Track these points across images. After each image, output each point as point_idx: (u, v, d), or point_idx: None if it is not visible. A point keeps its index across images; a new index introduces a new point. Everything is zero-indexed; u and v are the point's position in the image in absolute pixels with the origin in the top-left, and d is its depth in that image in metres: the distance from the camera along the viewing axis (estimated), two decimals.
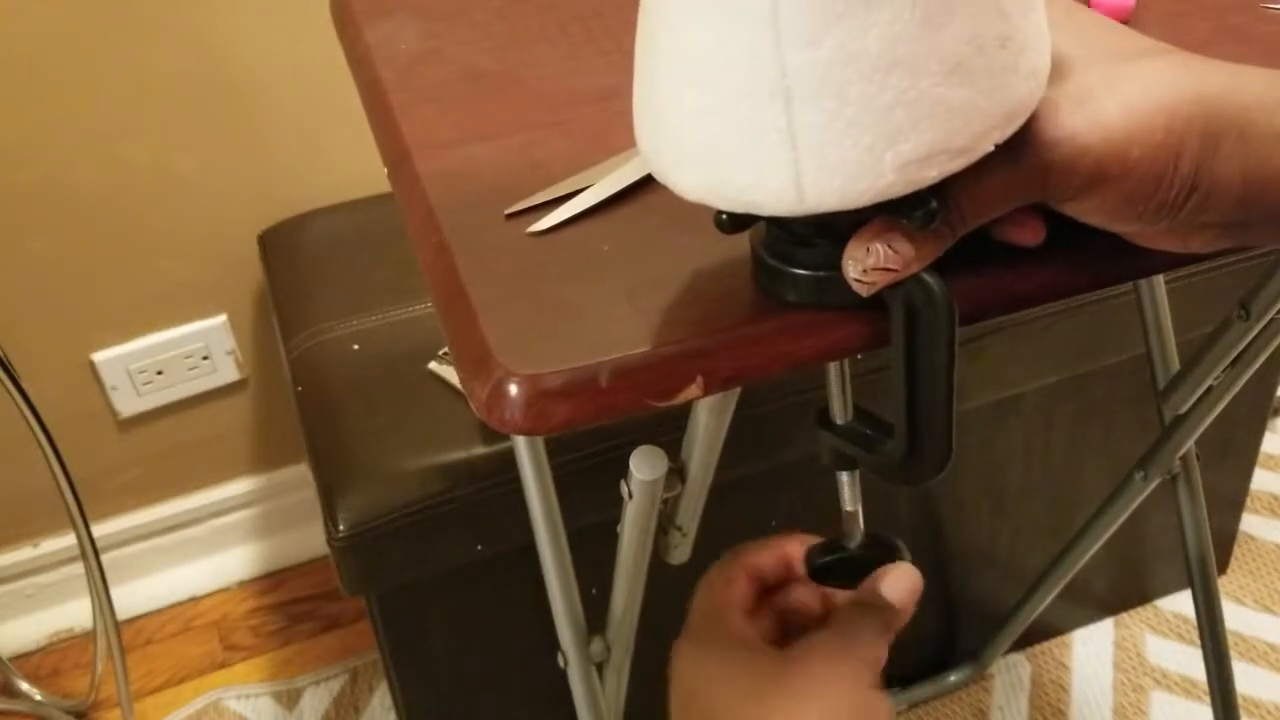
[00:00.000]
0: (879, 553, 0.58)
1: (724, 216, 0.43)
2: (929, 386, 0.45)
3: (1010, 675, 1.47)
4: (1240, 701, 1.25)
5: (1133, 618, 1.53)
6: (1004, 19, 0.38)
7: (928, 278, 0.42)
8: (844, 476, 0.57)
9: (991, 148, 0.39)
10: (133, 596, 1.59)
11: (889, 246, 0.41)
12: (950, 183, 0.40)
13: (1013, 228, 0.44)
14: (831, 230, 0.42)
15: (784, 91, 0.37)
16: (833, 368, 0.52)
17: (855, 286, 0.42)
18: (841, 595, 0.60)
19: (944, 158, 0.38)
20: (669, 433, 0.67)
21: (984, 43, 0.38)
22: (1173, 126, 0.40)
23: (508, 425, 0.44)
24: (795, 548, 0.60)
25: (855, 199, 0.39)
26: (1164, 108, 0.40)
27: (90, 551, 1.28)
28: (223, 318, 1.46)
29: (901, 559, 0.58)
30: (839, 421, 0.54)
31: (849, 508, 0.58)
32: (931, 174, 0.39)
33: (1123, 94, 0.40)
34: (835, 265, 0.42)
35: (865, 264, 0.41)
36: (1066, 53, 0.42)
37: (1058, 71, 0.42)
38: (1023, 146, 0.40)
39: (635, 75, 0.43)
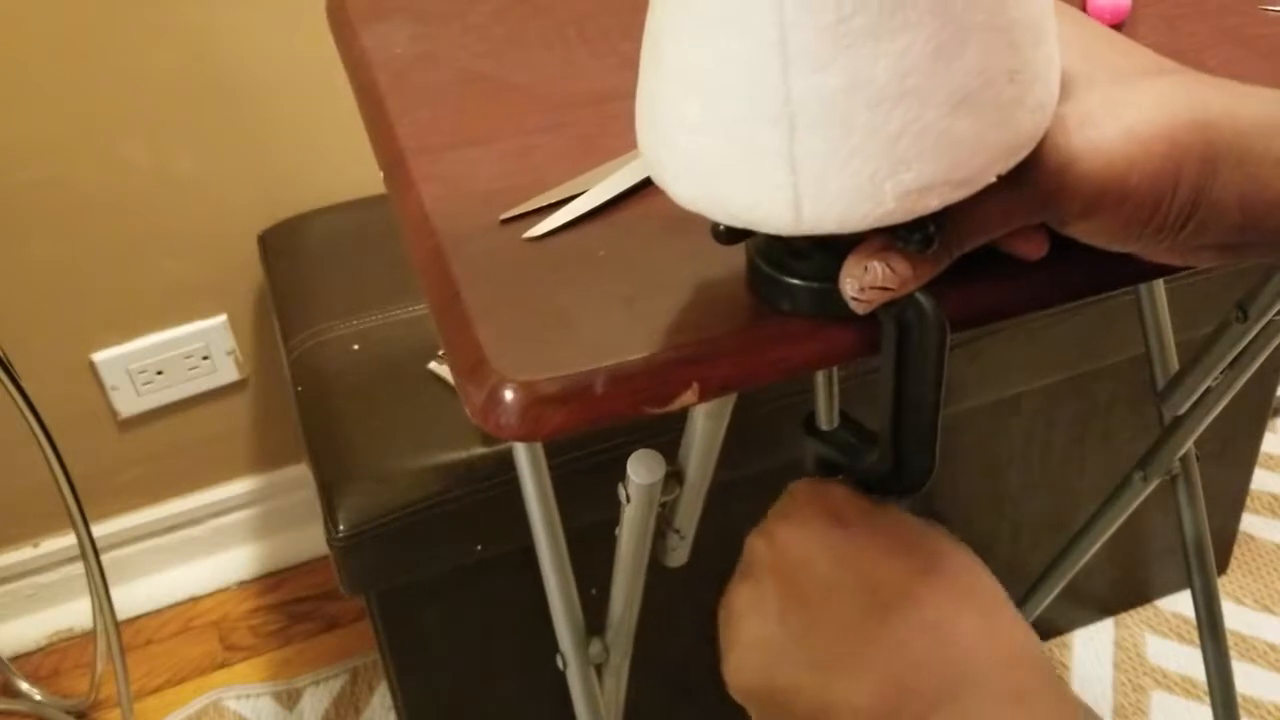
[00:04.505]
0: None
1: (721, 228, 0.43)
2: (915, 403, 0.45)
3: None
4: (1240, 701, 1.24)
5: (1133, 618, 1.53)
6: (1015, 52, 0.38)
7: (921, 297, 0.42)
8: None
9: (994, 179, 0.39)
10: (133, 596, 1.59)
11: (887, 266, 0.41)
12: (949, 206, 0.39)
13: (1016, 240, 0.44)
14: (830, 244, 0.42)
15: (788, 116, 0.37)
16: (820, 374, 0.52)
17: (851, 304, 0.42)
18: None
19: (946, 188, 0.38)
20: (667, 433, 0.67)
21: (993, 76, 0.38)
22: (1172, 152, 0.40)
23: (503, 431, 0.44)
24: None
25: (854, 224, 0.39)
26: (1163, 133, 0.40)
27: (90, 551, 1.28)
28: (223, 318, 1.46)
29: None
30: (824, 428, 0.54)
31: None
32: (932, 204, 0.38)
33: (1123, 118, 0.40)
34: (831, 277, 0.42)
35: (863, 282, 0.41)
36: (1069, 70, 0.42)
37: (1061, 89, 0.41)
38: (1023, 172, 0.40)
39: (640, 80, 0.43)
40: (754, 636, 0.49)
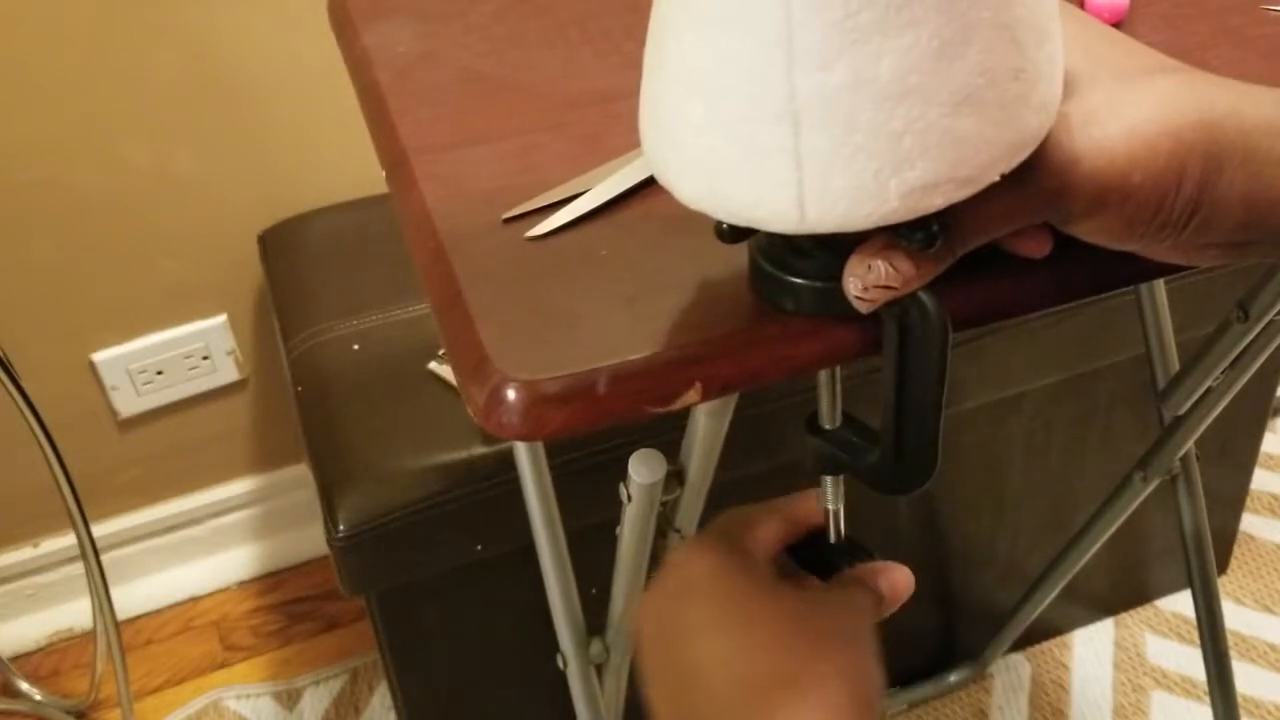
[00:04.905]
0: (854, 554, 0.58)
1: (725, 227, 0.43)
2: (917, 402, 0.45)
3: (1010, 675, 1.47)
4: (1240, 701, 1.24)
5: (1133, 618, 1.53)
6: (1018, 51, 0.38)
7: (924, 296, 0.42)
8: (828, 478, 0.57)
9: (997, 177, 0.39)
10: (133, 596, 1.59)
11: (890, 265, 0.41)
12: (953, 205, 0.39)
13: (1019, 239, 0.44)
14: (832, 243, 0.42)
15: (792, 114, 0.37)
16: (823, 373, 0.52)
17: (855, 303, 0.42)
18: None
19: (949, 187, 0.38)
20: (668, 432, 0.67)
21: (997, 74, 0.38)
22: (1175, 150, 0.40)
23: (505, 431, 0.44)
24: (805, 511, 0.60)
25: (857, 223, 0.39)
26: (1167, 132, 0.40)
27: (90, 551, 1.28)
28: (223, 318, 1.46)
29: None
30: (827, 427, 0.54)
31: (830, 507, 0.58)
32: (936, 202, 0.38)
33: (1126, 117, 0.40)
34: (834, 276, 0.42)
35: (866, 281, 0.41)
36: (1073, 69, 0.42)
37: (1064, 88, 0.41)
38: (1027, 170, 0.40)
39: (643, 78, 0.43)
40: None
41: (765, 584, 0.52)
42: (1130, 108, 0.40)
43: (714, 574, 0.52)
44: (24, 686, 1.49)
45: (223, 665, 1.55)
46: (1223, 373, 0.94)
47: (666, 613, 0.52)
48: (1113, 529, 1.17)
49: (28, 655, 1.56)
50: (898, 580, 0.56)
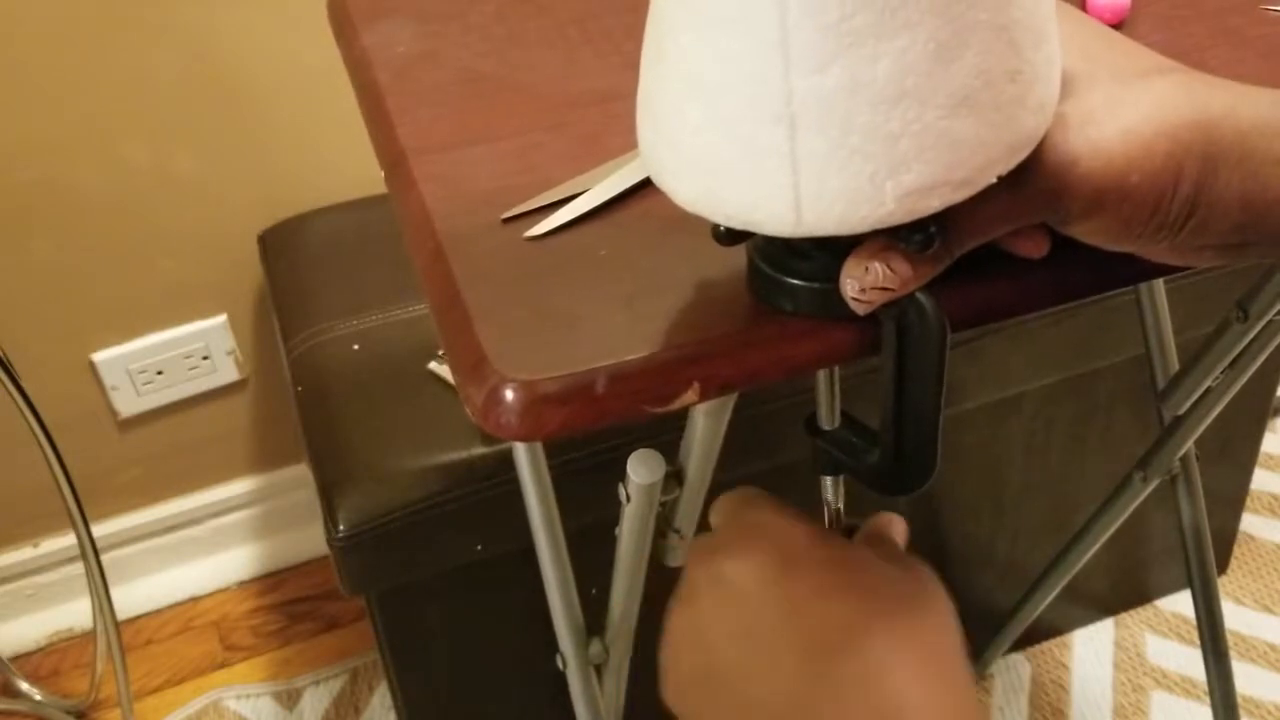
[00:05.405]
0: None
1: (722, 229, 0.43)
2: (916, 403, 0.45)
3: (1010, 675, 1.47)
4: (1240, 701, 1.25)
5: (1133, 618, 1.53)
6: (1015, 53, 0.38)
7: (921, 297, 0.42)
8: (827, 478, 0.57)
9: (994, 179, 0.39)
10: (133, 596, 1.59)
11: (887, 266, 0.41)
12: (950, 206, 0.39)
13: (1017, 240, 0.44)
14: (830, 244, 0.42)
15: (789, 116, 0.37)
16: (822, 374, 0.52)
17: (852, 305, 0.42)
18: None
19: (946, 189, 0.38)
20: (668, 432, 0.67)
21: (993, 76, 0.38)
22: (1172, 151, 0.40)
23: (504, 431, 0.44)
24: None
25: (854, 225, 0.39)
26: (1164, 132, 0.40)
27: (90, 551, 1.28)
28: (223, 318, 1.46)
29: None
30: (826, 428, 0.54)
31: (831, 504, 0.58)
32: (933, 204, 0.38)
33: (1124, 118, 0.40)
34: (832, 278, 0.42)
35: (863, 283, 0.41)
36: (1070, 70, 0.42)
37: (1061, 89, 0.41)
38: (1024, 172, 0.40)
39: (640, 80, 0.43)
40: (691, 668, 0.49)
41: (850, 544, 0.51)
42: (1127, 108, 0.40)
43: (811, 540, 0.49)
44: (24, 686, 1.49)
45: (223, 665, 1.55)
46: (1222, 373, 0.94)
47: (771, 583, 0.48)
48: (1113, 529, 1.17)
49: (28, 655, 1.56)
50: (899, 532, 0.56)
